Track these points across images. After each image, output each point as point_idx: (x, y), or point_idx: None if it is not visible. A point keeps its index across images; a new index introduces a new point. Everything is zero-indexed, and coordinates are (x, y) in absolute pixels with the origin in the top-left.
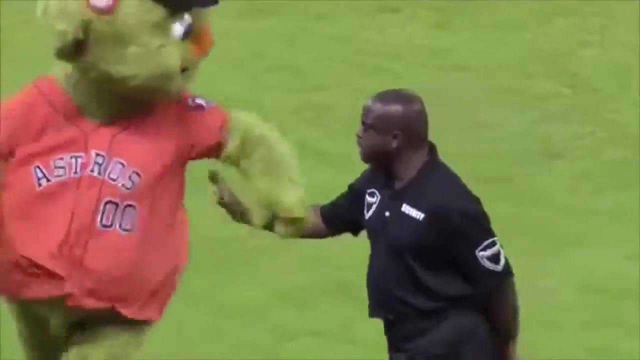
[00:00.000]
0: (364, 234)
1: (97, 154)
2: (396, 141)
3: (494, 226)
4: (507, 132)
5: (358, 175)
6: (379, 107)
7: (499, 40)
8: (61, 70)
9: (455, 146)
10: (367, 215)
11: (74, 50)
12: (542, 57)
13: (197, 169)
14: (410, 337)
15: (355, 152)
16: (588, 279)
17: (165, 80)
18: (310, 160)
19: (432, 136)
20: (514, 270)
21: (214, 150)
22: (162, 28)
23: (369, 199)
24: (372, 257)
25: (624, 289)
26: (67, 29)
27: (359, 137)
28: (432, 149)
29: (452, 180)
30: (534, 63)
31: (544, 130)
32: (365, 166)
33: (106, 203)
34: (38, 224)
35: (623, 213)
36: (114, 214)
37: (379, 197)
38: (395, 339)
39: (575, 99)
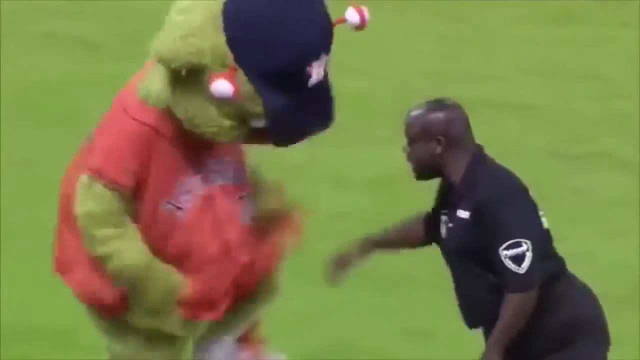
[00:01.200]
0: None
1: (210, 163)
2: (440, 146)
3: None
4: None
5: None
6: (418, 118)
7: None
8: (145, 89)
9: None
10: (443, 234)
11: None
12: None
13: None
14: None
15: None
16: None
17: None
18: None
19: None
20: None
21: None
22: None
23: (443, 217)
24: (452, 275)
25: None
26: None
27: (407, 153)
28: (477, 148)
29: (493, 176)
30: None
31: None
32: None
33: (238, 202)
34: (193, 253)
35: None
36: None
37: (448, 213)
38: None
39: None
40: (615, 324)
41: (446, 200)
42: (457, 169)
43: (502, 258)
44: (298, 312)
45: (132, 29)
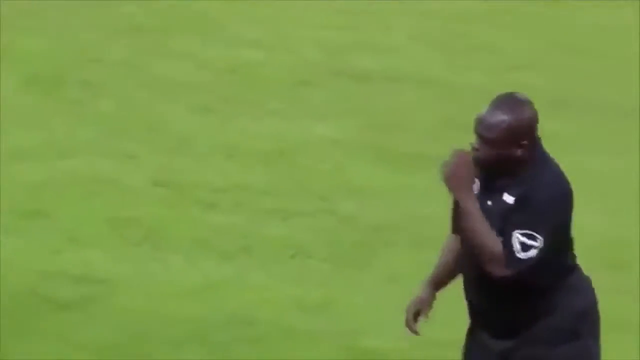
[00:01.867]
0: None
1: None
2: (521, 150)
3: None
4: None
5: None
6: (501, 123)
7: None
8: None
9: None
10: None
11: None
12: None
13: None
14: (520, 323)
15: None
16: None
17: None
18: None
19: (630, 116)
20: None
21: None
22: None
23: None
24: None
25: None
26: None
27: (475, 149)
28: (540, 142)
29: (545, 169)
30: None
31: None
32: None
33: None
34: None
35: None
36: None
37: (478, 186)
38: (496, 326)
39: None
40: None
41: (492, 186)
42: (525, 165)
43: (513, 236)
44: (194, 286)
45: None
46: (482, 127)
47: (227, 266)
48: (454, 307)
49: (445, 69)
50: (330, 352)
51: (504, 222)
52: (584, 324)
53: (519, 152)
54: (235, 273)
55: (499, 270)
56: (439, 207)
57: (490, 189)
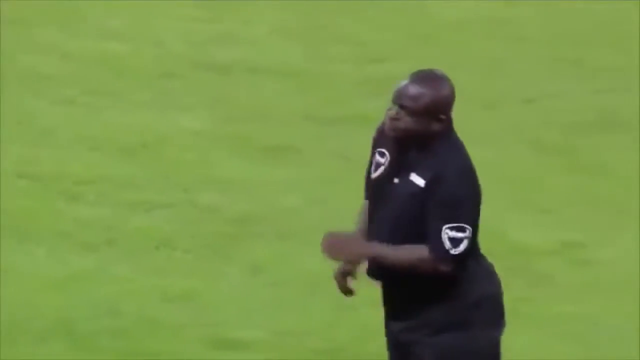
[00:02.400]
0: None
1: None
2: (439, 124)
3: (556, 196)
4: (568, 103)
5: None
6: (424, 95)
7: (562, 10)
8: None
9: (516, 117)
10: (374, 174)
11: None
12: (605, 28)
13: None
14: (412, 306)
15: None
16: None
17: None
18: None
19: (494, 106)
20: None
21: None
22: None
23: (378, 158)
24: (374, 219)
25: None
26: None
27: (393, 119)
28: (450, 121)
29: (458, 155)
30: (596, 34)
31: (605, 102)
32: None
33: None
34: None
35: None
36: None
37: (388, 159)
38: (393, 306)
39: (636, 71)
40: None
41: (391, 146)
42: (439, 140)
43: (442, 232)
44: (58, 278)
45: None
46: (406, 98)
47: (91, 258)
48: (309, 299)
49: (305, 61)
50: (195, 343)
51: (427, 214)
52: (477, 314)
53: (436, 126)
54: (99, 265)
55: (442, 268)
56: (300, 198)
57: (400, 166)
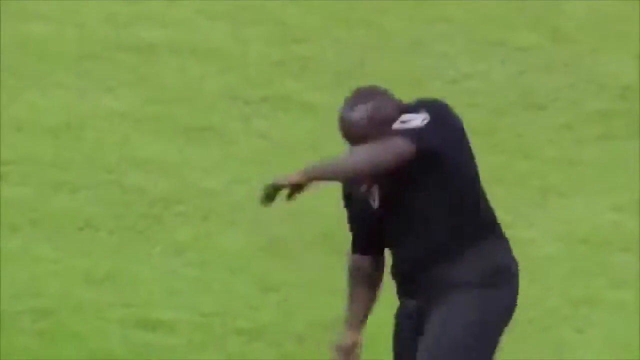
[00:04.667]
0: None
1: None
2: (388, 127)
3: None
4: (489, 83)
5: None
6: (360, 117)
7: None
8: None
9: (439, 96)
10: (375, 204)
11: None
12: (525, 10)
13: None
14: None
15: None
16: (571, 230)
17: None
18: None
19: (416, 87)
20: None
21: None
22: None
23: (361, 195)
24: (406, 243)
25: (607, 240)
26: None
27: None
28: None
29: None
30: (517, 15)
31: (526, 82)
32: None
33: None
34: None
35: (605, 164)
36: None
37: (372, 188)
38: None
39: (557, 51)
40: None
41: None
42: None
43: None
44: None
45: None
46: (349, 128)
47: (15, 239)
48: (232, 279)
49: (229, 41)
50: (119, 323)
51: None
52: (502, 276)
53: (387, 129)
54: (23, 245)
55: (404, 147)
56: (224, 179)
57: (387, 181)
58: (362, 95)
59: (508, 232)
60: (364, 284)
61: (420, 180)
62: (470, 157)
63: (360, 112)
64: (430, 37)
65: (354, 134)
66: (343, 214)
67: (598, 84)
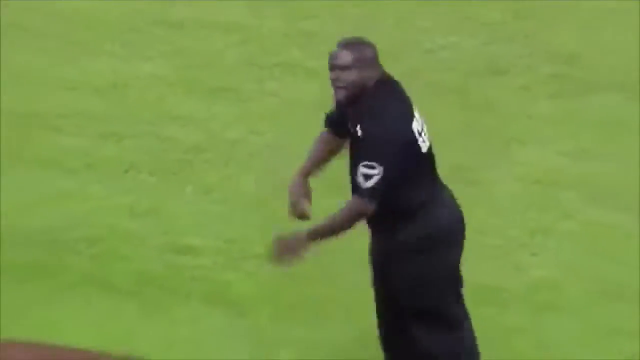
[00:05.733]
0: None
1: None
2: (373, 70)
3: (450, 129)
4: (460, 52)
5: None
6: (347, 53)
7: None
8: None
9: (417, 65)
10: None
11: None
12: None
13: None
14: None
15: None
16: (527, 172)
17: None
18: (301, 77)
19: (398, 56)
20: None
21: None
22: None
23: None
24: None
25: (557, 180)
26: None
27: (334, 80)
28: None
29: (384, 104)
30: None
31: (491, 51)
32: None
33: None
34: None
35: (556, 118)
36: None
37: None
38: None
39: (517, 26)
40: None
41: (352, 119)
42: (371, 95)
43: (358, 169)
44: (45, 196)
45: None
46: (335, 59)
47: (71, 180)
48: (249, 214)
49: (247, 17)
50: (157, 249)
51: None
52: (430, 242)
53: (366, 82)
54: (78, 185)
55: (365, 207)
56: (242, 131)
57: (352, 123)
58: (352, 42)
59: (476, 175)
60: (326, 142)
61: None
62: (412, 164)
63: (347, 51)
64: (412, 14)
65: (339, 65)
66: (346, 161)
67: (551, 52)
